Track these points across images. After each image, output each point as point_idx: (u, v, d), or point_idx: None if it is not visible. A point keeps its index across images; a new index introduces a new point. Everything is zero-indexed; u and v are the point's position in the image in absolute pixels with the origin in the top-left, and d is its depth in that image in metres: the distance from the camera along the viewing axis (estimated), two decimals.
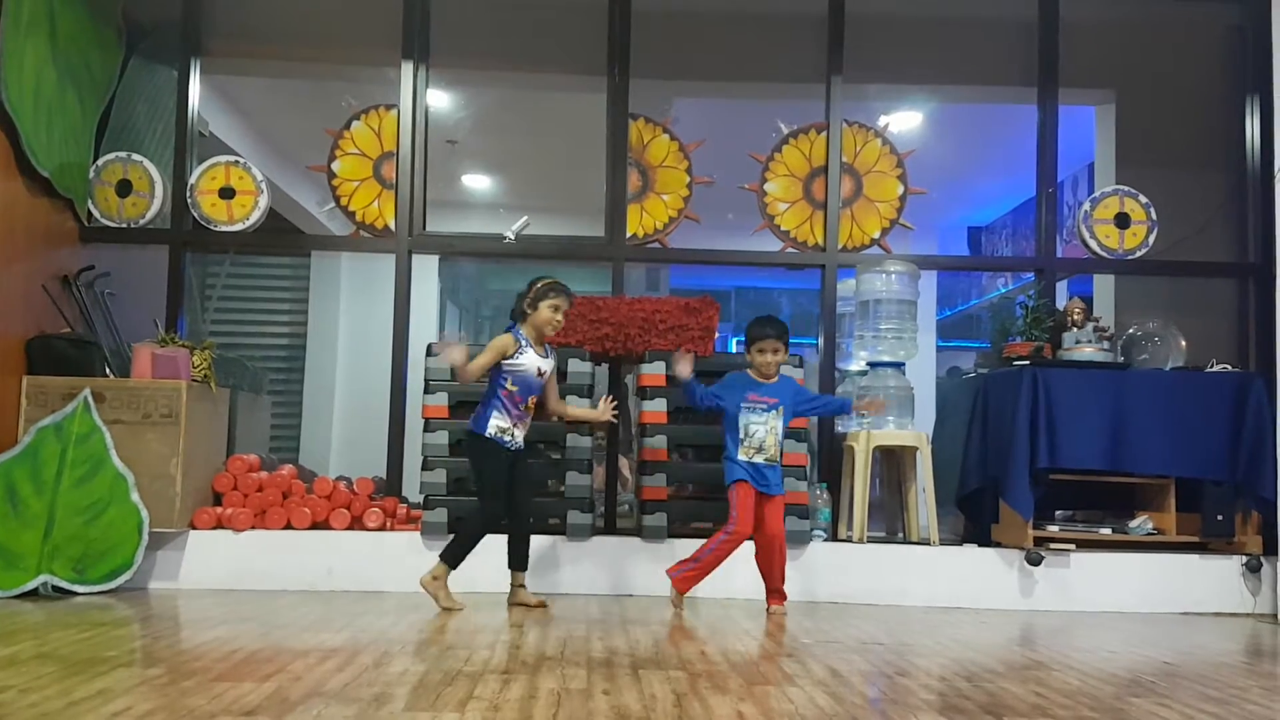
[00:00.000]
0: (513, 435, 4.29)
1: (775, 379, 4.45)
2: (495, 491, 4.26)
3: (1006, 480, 4.80)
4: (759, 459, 4.32)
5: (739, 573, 4.78)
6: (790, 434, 4.83)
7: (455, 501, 4.77)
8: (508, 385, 4.27)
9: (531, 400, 4.34)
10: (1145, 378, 4.96)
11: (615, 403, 4.61)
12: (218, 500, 4.89)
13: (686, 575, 4.34)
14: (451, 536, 4.33)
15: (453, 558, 4.23)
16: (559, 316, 4.33)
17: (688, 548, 4.80)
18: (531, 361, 4.30)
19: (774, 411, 4.37)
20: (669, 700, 2.70)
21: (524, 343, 4.30)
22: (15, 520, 4.38)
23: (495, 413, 4.27)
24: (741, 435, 4.35)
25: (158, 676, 2.83)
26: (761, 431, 4.33)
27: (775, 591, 4.43)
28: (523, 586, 4.39)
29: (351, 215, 5.57)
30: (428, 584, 4.20)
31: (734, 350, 11.15)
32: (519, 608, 4.31)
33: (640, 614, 4.24)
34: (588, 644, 3.50)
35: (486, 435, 4.25)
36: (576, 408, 4.65)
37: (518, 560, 4.40)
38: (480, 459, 4.30)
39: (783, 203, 5.60)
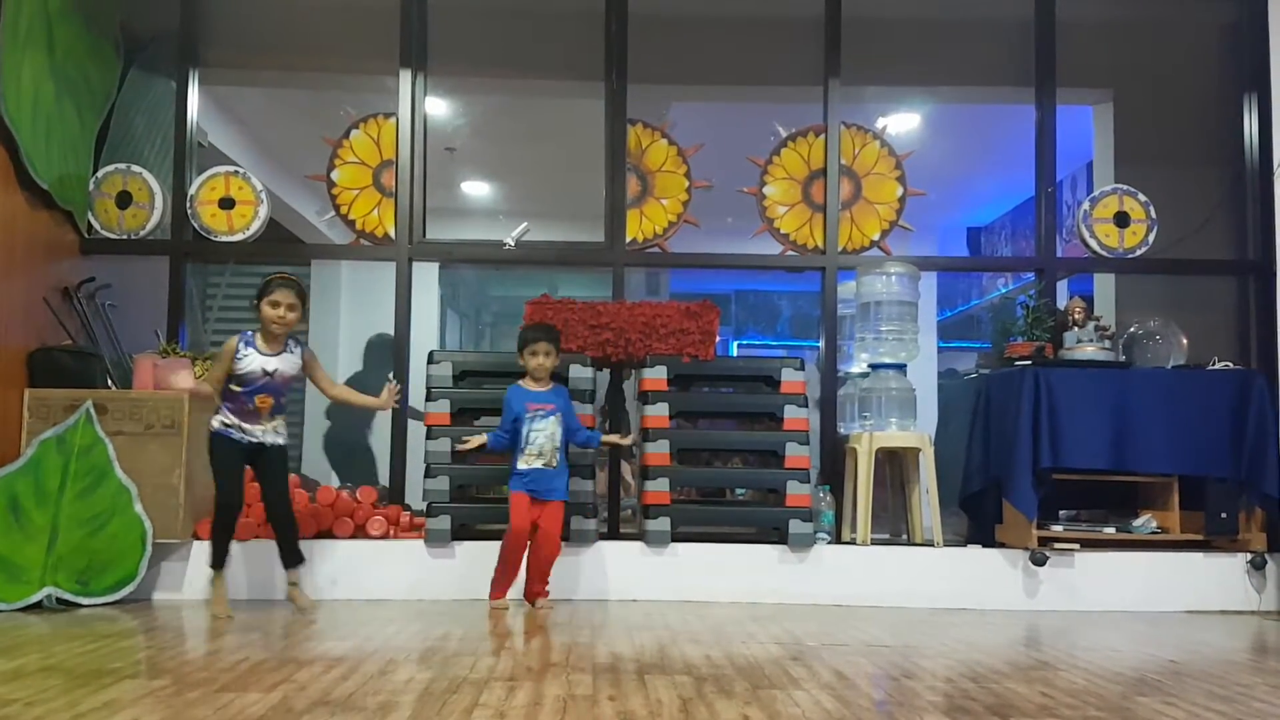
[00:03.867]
0: (240, 429, 4.30)
1: (549, 385, 4.53)
2: (221, 480, 4.29)
3: (1009, 481, 4.79)
4: (539, 464, 4.41)
5: (737, 575, 4.79)
6: (791, 436, 4.85)
7: (459, 508, 4.78)
8: (231, 386, 4.30)
9: (261, 400, 4.31)
10: (1147, 376, 4.96)
11: (399, 389, 4.64)
12: None
13: (496, 585, 4.45)
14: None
15: (215, 558, 4.28)
16: (280, 311, 4.29)
17: (691, 552, 4.82)
18: (255, 362, 4.29)
19: (553, 418, 4.46)
20: (675, 705, 2.70)
21: (247, 344, 4.30)
22: (19, 533, 4.38)
23: (221, 412, 4.32)
24: (524, 444, 4.41)
25: (163, 687, 2.83)
26: (542, 439, 4.42)
27: (540, 588, 4.49)
28: (295, 585, 4.39)
29: (351, 224, 5.57)
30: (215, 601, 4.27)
31: (734, 354, 11.20)
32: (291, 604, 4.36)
33: (645, 619, 4.23)
34: (593, 650, 3.50)
35: (212, 430, 4.31)
36: (356, 395, 4.67)
37: (287, 557, 4.40)
38: (209, 453, 4.33)
39: (782, 206, 5.61)
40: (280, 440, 4.40)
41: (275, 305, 4.28)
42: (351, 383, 7.23)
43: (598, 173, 5.55)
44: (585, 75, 5.64)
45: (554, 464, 4.43)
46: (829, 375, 5.47)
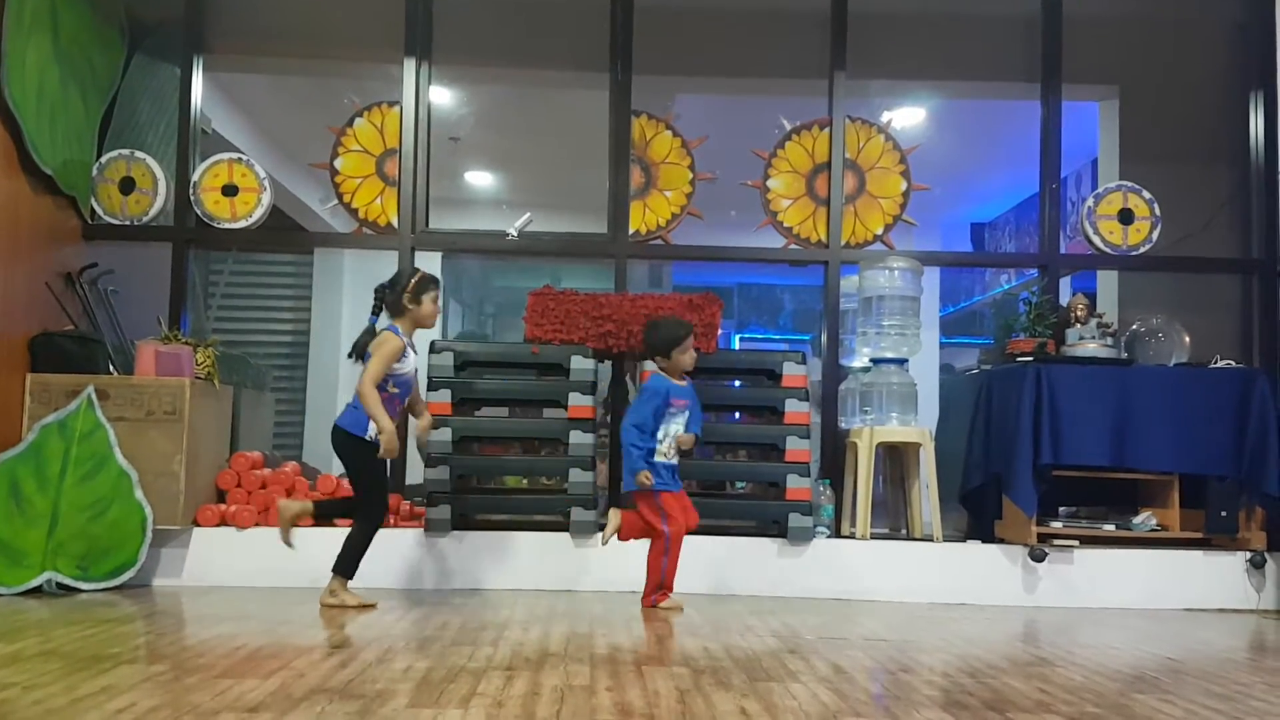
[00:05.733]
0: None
1: (685, 381, 4.47)
2: (382, 491, 4.21)
3: (1010, 476, 4.79)
4: (673, 459, 4.36)
5: (736, 568, 4.80)
6: (791, 430, 4.85)
7: (459, 498, 4.78)
8: (389, 388, 4.10)
9: (406, 403, 4.24)
10: (1149, 374, 4.95)
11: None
12: (221, 497, 4.90)
13: (660, 595, 4.31)
14: (341, 549, 4.12)
15: (348, 567, 4.10)
16: (438, 308, 4.28)
17: (691, 544, 4.79)
18: (412, 363, 4.19)
19: (685, 414, 4.41)
20: (672, 697, 2.70)
21: (408, 343, 4.16)
22: (19, 518, 4.39)
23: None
24: (661, 437, 4.33)
25: (161, 673, 2.84)
26: (676, 433, 4.36)
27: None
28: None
29: (354, 212, 5.57)
30: (329, 602, 4.06)
31: (736, 346, 11.20)
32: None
33: (643, 611, 4.23)
34: (591, 640, 3.51)
35: (367, 439, 4.05)
36: (422, 419, 4.45)
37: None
38: (362, 461, 4.10)
39: (786, 199, 5.60)
40: None
41: (437, 300, 4.24)
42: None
43: (601, 164, 5.54)
44: (590, 66, 5.63)
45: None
46: (830, 369, 5.46)
